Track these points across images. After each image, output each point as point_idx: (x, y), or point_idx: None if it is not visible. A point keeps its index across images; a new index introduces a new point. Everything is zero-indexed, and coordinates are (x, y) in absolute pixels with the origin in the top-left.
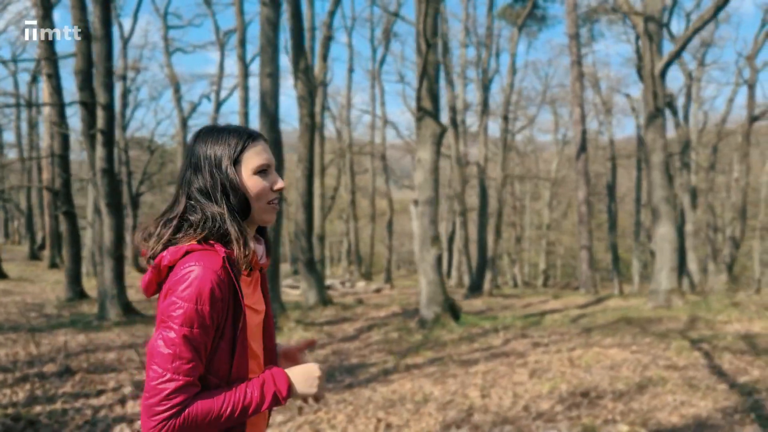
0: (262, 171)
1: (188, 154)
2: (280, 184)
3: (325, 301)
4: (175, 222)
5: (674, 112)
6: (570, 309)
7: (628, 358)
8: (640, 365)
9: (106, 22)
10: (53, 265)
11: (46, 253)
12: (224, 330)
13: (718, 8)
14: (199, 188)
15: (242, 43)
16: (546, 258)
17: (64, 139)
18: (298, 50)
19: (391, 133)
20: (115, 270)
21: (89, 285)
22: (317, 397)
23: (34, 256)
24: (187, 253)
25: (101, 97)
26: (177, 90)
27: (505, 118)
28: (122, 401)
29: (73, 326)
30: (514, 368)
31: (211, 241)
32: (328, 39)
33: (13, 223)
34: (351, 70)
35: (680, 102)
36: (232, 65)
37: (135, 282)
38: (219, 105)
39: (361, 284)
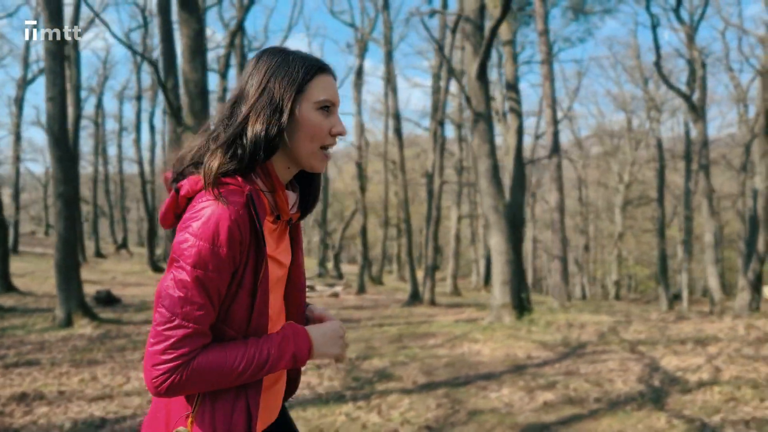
0: (325, 107)
1: (248, 71)
2: (339, 128)
3: None
4: (203, 142)
5: (692, 107)
6: (437, 324)
7: None
8: None
9: None
10: None
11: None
12: (243, 277)
13: (506, 6)
14: (247, 108)
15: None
16: (618, 268)
17: None
18: (168, 70)
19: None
20: None
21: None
22: (338, 358)
23: None
24: None
25: None
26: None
27: (441, 123)
28: None
29: None
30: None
31: (237, 177)
32: (227, 56)
33: None
34: None
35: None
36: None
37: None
38: None
39: (337, 288)
